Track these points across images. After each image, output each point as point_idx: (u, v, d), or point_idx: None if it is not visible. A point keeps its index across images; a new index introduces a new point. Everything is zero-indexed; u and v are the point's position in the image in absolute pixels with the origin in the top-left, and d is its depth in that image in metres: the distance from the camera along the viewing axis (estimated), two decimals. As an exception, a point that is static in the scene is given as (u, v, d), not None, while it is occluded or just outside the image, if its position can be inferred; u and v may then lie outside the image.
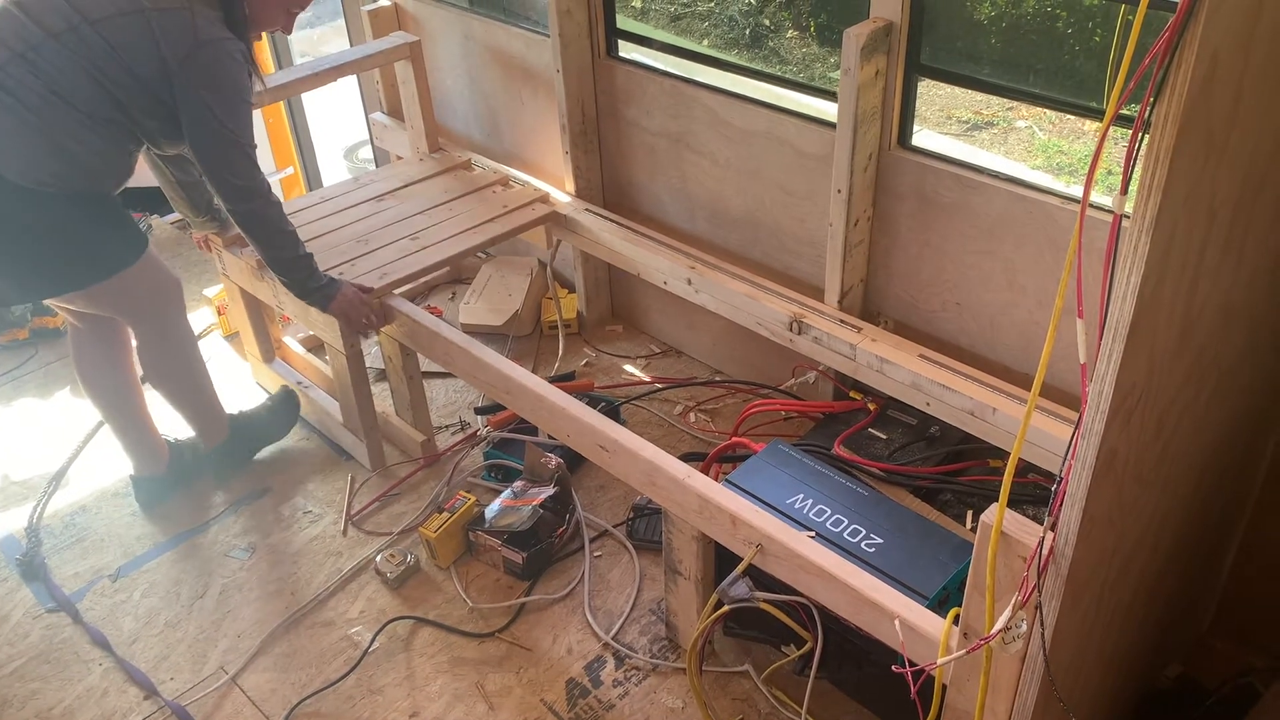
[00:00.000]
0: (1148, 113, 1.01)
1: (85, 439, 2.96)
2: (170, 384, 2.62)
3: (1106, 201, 2.16)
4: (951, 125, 5.46)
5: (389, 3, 3.35)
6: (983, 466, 2.36)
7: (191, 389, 2.66)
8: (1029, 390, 2.26)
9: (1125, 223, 1.08)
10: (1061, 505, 1.28)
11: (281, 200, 2.45)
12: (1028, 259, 2.23)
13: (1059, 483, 1.28)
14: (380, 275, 2.68)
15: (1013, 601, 1.34)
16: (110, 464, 2.89)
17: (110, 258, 2.32)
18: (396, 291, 2.69)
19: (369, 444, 2.82)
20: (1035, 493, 2.26)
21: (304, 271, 2.47)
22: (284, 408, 2.91)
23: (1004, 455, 2.31)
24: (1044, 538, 1.31)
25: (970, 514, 2.24)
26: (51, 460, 2.91)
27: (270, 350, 3.15)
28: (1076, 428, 1.22)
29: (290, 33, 2.46)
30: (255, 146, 2.32)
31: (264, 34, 2.42)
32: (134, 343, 2.55)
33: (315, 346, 3.32)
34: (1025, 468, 2.24)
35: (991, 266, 2.31)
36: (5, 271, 2.24)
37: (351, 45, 3.56)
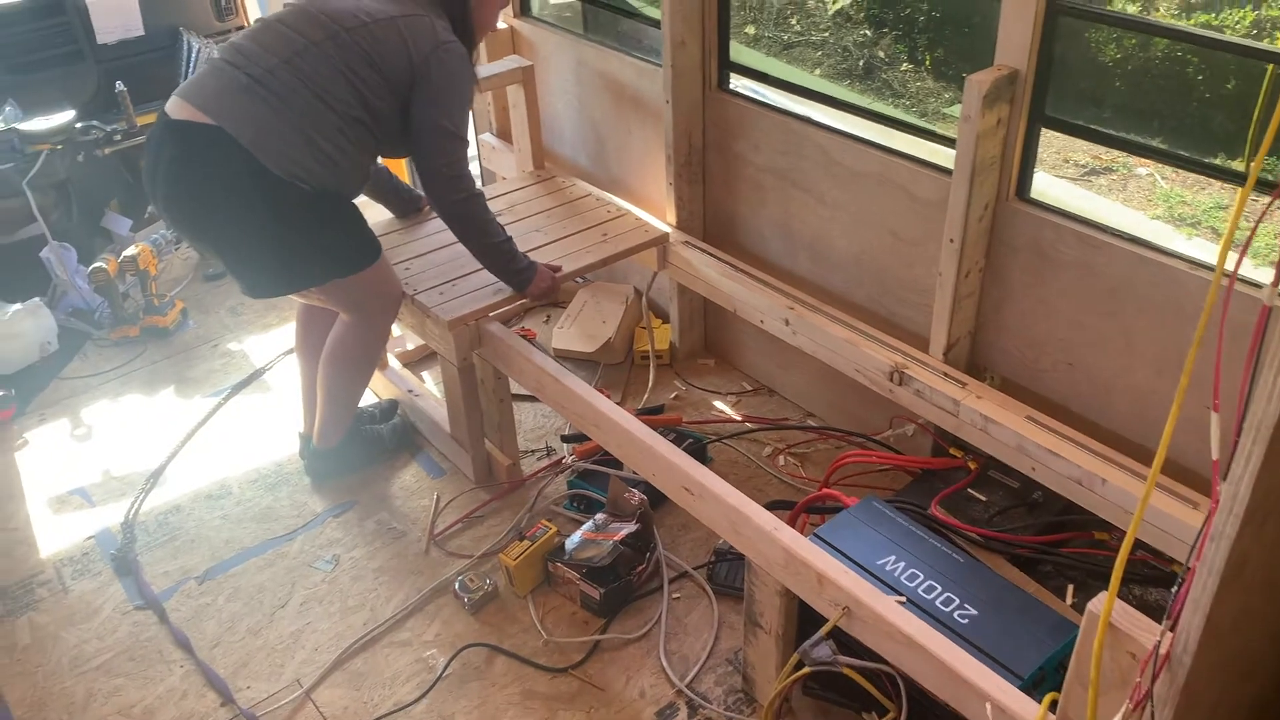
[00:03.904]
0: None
1: (184, 439, 3.03)
2: (341, 376, 2.70)
3: (1246, 272, 2.03)
4: (1068, 169, 5.28)
5: (504, 26, 3.38)
6: (1087, 539, 2.24)
7: (351, 388, 2.75)
8: (1141, 461, 2.15)
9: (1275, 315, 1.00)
10: (1182, 608, 1.19)
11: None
12: (1149, 324, 2.11)
13: (1180, 583, 1.19)
14: (495, 291, 2.71)
15: (1123, 708, 1.25)
16: (206, 465, 2.96)
17: (352, 257, 2.51)
18: (492, 315, 2.70)
19: (474, 457, 2.83)
20: (1144, 571, 2.14)
21: (508, 256, 2.64)
22: (395, 439, 2.98)
23: (1111, 528, 2.20)
24: (1161, 639, 1.22)
25: (1071, 588, 2.12)
26: (151, 458, 2.98)
27: (384, 359, 3.19)
28: (1204, 528, 1.13)
29: (495, 30, 2.75)
30: (465, 142, 2.51)
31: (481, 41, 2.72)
32: (338, 326, 2.67)
33: (412, 362, 3.35)
34: (1133, 543, 2.12)
35: (1109, 329, 2.19)
36: (262, 264, 2.44)
37: (465, 65, 3.59)
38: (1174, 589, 1.19)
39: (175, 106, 2.32)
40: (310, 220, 2.38)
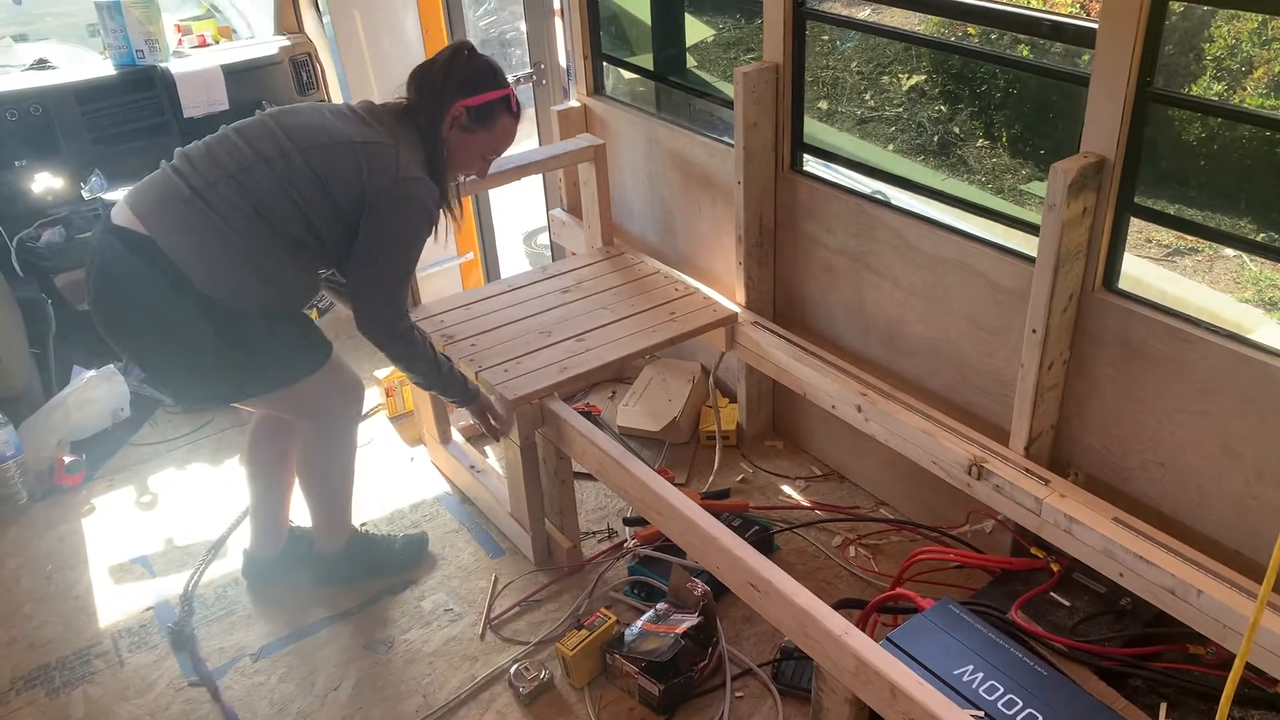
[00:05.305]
0: None
1: (245, 510, 3.02)
2: (316, 483, 2.62)
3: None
4: (1151, 249, 5.12)
5: (578, 105, 3.40)
6: (1181, 652, 2.09)
7: (332, 493, 2.64)
8: (1239, 569, 2.00)
9: None
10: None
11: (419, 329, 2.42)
12: (1248, 425, 1.99)
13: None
14: (560, 370, 2.68)
15: None
16: (267, 538, 2.94)
17: (292, 368, 2.37)
18: (557, 393, 2.66)
19: (534, 537, 2.77)
20: (1244, 691, 1.99)
21: (441, 387, 2.48)
22: (409, 551, 2.84)
23: (1206, 640, 2.05)
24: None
25: (1164, 707, 1.98)
26: (214, 527, 2.98)
27: (447, 433, 3.17)
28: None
29: (484, 177, 2.51)
30: (407, 282, 2.37)
31: (460, 179, 2.50)
32: (299, 438, 2.57)
33: (475, 436, 3.33)
34: (1231, 660, 1.97)
35: (1203, 428, 2.07)
36: (192, 378, 2.33)
37: (541, 142, 3.62)
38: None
39: (118, 210, 2.21)
40: (247, 338, 2.25)
